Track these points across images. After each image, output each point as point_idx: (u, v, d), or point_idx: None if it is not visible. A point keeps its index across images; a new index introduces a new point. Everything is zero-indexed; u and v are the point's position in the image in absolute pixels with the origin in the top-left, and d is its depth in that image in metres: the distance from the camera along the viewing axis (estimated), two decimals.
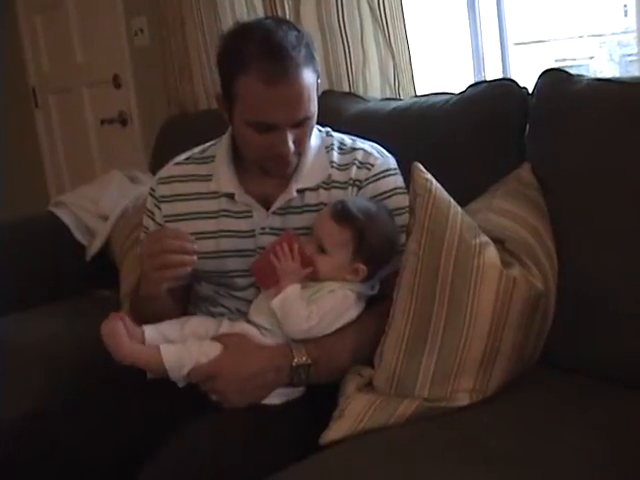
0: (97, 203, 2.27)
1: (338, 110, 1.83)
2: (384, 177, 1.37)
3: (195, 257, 1.23)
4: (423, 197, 1.22)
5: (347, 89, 2.01)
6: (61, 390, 1.60)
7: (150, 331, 1.25)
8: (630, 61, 2.88)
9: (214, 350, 1.23)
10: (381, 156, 1.39)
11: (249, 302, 1.33)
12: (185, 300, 1.45)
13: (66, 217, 2.26)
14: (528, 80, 1.51)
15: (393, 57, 1.95)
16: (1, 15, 3.30)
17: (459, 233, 1.21)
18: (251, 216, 1.36)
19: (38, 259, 2.19)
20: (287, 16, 2.05)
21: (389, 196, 1.36)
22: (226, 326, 1.30)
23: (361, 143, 1.41)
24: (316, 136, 1.38)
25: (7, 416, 1.41)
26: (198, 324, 1.31)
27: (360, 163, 1.37)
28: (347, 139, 1.42)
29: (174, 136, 2.36)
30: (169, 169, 1.44)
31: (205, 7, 2.34)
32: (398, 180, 1.39)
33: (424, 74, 2.06)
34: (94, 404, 1.30)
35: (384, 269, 1.30)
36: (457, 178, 1.35)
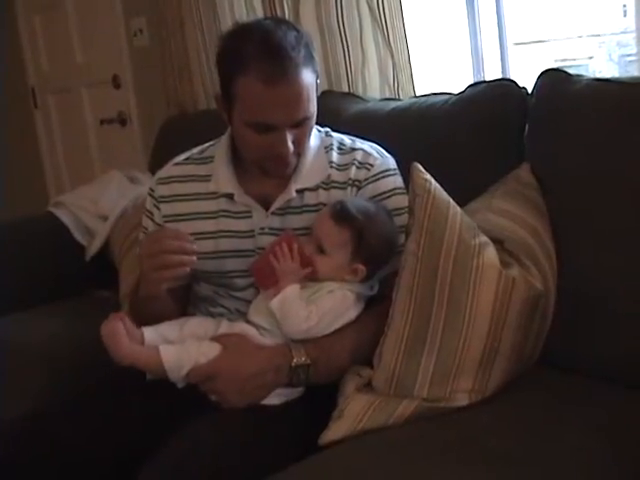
0: (96, 203, 2.27)
1: (337, 110, 1.83)
2: (383, 177, 1.37)
3: (194, 257, 1.23)
4: (422, 197, 1.22)
5: (346, 89, 2.01)
6: (61, 390, 1.60)
7: (149, 332, 1.25)
8: (629, 61, 2.87)
9: (213, 350, 1.23)
10: (380, 156, 1.39)
11: (248, 302, 1.33)
12: (184, 300, 1.45)
13: (65, 217, 2.26)
14: (527, 80, 1.51)
15: (392, 57, 1.95)
16: (1, 15, 3.30)
17: (458, 233, 1.21)
18: (250, 216, 1.36)
19: (38, 259, 2.19)
20: (286, 16, 2.05)
21: (388, 196, 1.36)
22: (225, 326, 1.29)
23: (360, 143, 1.41)
24: (315, 136, 1.38)
25: (7, 416, 1.41)
26: (197, 325, 1.31)
27: (359, 163, 1.37)
28: (346, 139, 1.42)
29: (173, 136, 2.36)
30: (168, 169, 1.44)
31: (204, 7, 2.34)
32: (397, 180, 1.39)
33: (423, 74, 2.06)
34: (94, 404, 1.30)
35: (383, 269, 1.30)
36: (456, 178, 1.35)
